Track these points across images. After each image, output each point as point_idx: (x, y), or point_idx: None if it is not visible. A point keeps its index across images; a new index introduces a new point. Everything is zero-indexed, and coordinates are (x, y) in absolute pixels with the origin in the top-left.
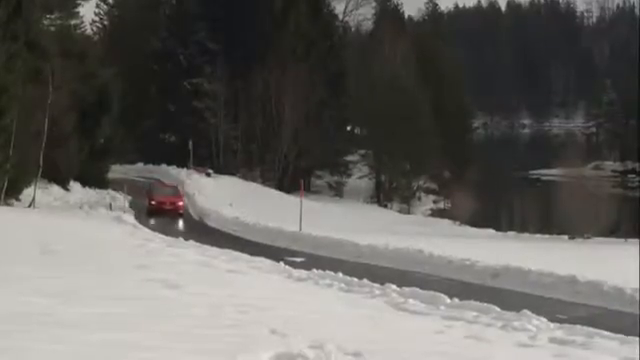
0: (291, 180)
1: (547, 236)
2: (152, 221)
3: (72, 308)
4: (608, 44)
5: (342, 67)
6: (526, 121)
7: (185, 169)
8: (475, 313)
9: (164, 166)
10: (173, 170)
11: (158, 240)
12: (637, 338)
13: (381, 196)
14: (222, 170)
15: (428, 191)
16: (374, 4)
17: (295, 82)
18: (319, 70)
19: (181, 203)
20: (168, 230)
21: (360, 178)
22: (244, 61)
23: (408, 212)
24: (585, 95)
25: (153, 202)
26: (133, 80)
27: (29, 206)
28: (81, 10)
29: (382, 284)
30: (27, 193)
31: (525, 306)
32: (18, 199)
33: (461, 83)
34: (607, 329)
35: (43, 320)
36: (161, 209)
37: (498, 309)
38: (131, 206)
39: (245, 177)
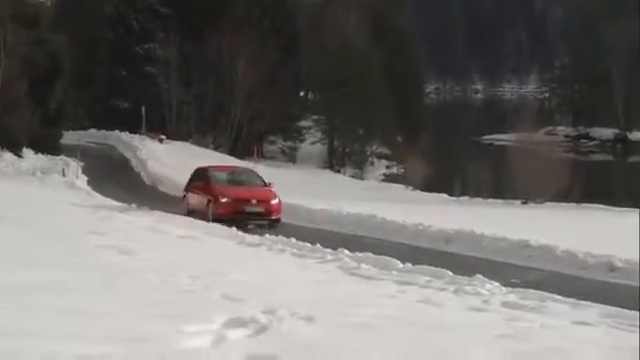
0: (244, 146)
1: (500, 201)
2: (106, 187)
3: (24, 274)
4: (561, 8)
5: (296, 31)
6: (479, 86)
7: (138, 135)
8: (428, 278)
9: (117, 132)
10: (126, 136)
11: (111, 206)
12: (589, 302)
13: (334, 161)
14: (175, 136)
15: (381, 156)
16: None
17: (249, 46)
18: (273, 34)
19: (276, 202)
20: (121, 196)
21: (313, 144)
22: (197, 26)
23: (361, 177)
24: (538, 60)
25: (224, 200)
26: (85, 46)
27: None
28: None
29: (335, 249)
30: None
31: (478, 271)
32: None
33: (414, 48)
34: (559, 293)
35: None
36: (240, 213)
37: (451, 274)
38: (84, 172)
39: (198, 143)
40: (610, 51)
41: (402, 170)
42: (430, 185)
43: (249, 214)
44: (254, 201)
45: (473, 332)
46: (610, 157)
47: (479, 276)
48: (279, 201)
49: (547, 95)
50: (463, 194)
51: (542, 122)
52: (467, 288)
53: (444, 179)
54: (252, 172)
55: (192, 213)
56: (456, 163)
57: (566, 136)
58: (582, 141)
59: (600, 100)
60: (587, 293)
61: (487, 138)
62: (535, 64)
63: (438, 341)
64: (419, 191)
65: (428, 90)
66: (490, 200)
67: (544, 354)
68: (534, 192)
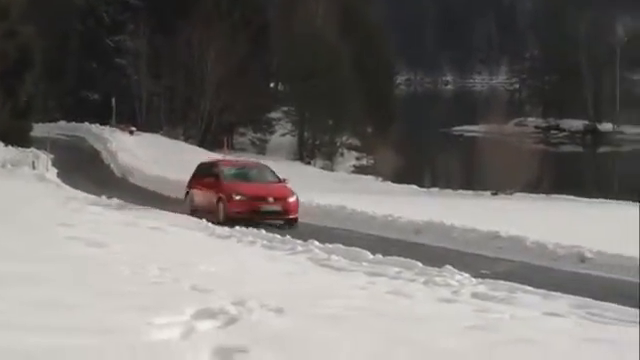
0: (214, 137)
1: (470, 192)
2: (76, 179)
3: None
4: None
5: (266, 23)
6: (449, 77)
7: (108, 127)
8: (398, 269)
9: (87, 124)
10: (96, 128)
11: (81, 198)
12: (559, 293)
13: (304, 153)
14: (145, 128)
15: (351, 148)
16: None
17: (219, 38)
18: (243, 26)
19: (293, 200)
20: (91, 188)
21: (283, 135)
22: (167, 18)
23: (331, 169)
24: (508, 51)
25: (238, 198)
26: (56, 37)
27: None
28: None
29: (305, 241)
30: None
31: (448, 262)
32: None
33: (384, 39)
34: (530, 284)
35: None
36: (255, 212)
37: (421, 265)
38: (54, 164)
39: (168, 134)
40: (579, 42)
41: (372, 161)
42: (400, 176)
43: (265, 213)
44: (271, 199)
45: (443, 323)
46: (580, 148)
47: (449, 267)
48: (297, 199)
49: (517, 86)
50: (433, 185)
51: (512, 113)
52: (437, 279)
53: (414, 170)
54: (265, 167)
55: (197, 212)
56: (426, 154)
57: (536, 127)
58: (552, 132)
59: (570, 91)
60: (557, 284)
61: (457, 129)
62: (505, 55)
63: (408, 332)
64: (389, 182)
65: (398, 81)
66: (460, 191)
67: (514, 345)
68: (504, 183)
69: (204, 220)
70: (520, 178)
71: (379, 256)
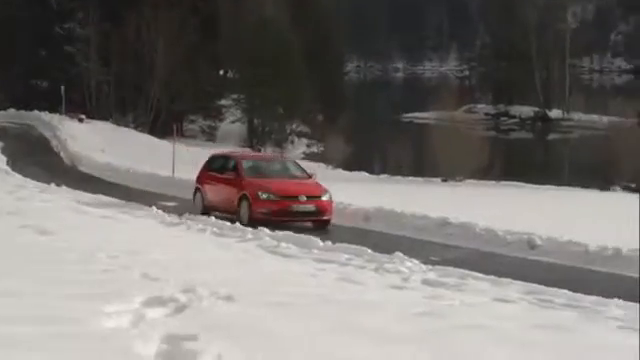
0: (164, 125)
1: (420, 179)
2: (25, 167)
3: None
4: None
5: (215, 10)
6: (399, 65)
7: (58, 115)
8: (348, 256)
9: (36, 112)
10: (45, 116)
11: (31, 186)
12: (509, 279)
13: (254, 140)
14: (95, 115)
15: (301, 135)
16: None
17: (168, 25)
18: (192, 13)
19: (327, 198)
20: (40, 176)
21: (233, 122)
22: (117, 4)
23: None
24: (458, 38)
25: (265, 197)
26: (3, 25)
27: None
28: None
29: (255, 228)
30: None
31: (398, 248)
32: None
33: (334, 26)
34: (480, 271)
35: None
36: (286, 212)
37: (370, 252)
38: (3, 152)
39: (118, 122)
40: (530, 29)
41: (322, 148)
42: (350, 163)
43: (297, 214)
44: (303, 197)
45: (393, 310)
46: (530, 135)
47: (399, 254)
48: (330, 197)
49: (467, 73)
50: (383, 172)
51: (462, 100)
52: (387, 266)
53: (364, 157)
54: (290, 160)
55: (211, 211)
56: (376, 141)
57: (486, 114)
58: (502, 119)
59: (520, 78)
60: (507, 270)
61: (407, 116)
62: (455, 42)
63: (358, 319)
64: (339, 169)
65: (349, 69)
66: (410, 178)
67: (464, 331)
68: (454, 170)
69: (152, 207)
70: (470, 165)
71: (329, 243)
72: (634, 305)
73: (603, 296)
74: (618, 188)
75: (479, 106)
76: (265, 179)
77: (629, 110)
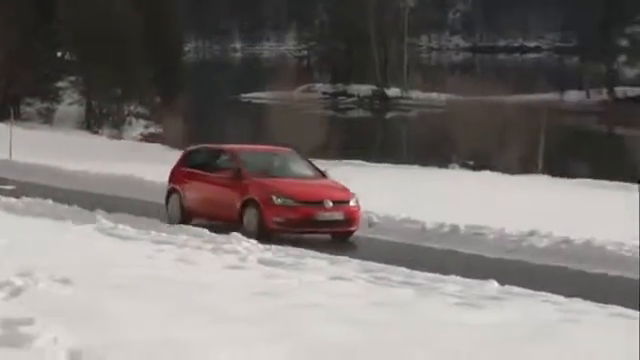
0: (1, 108)
1: None
2: None
3: None
4: None
5: None
6: (238, 45)
7: None
8: (186, 237)
9: None
10: None
11: None
12: (346, 257)
13: (92, 122)
14: None
15: (139, 116)
16: None
17: (2, 7)
18: None
19: (355, 204)
20: None
21: (70, 105)
22: None
23: (119, 138)
24: (297, 18)
25: (280, 202)
26: None
27: None
28: None
29: (92, 210)
30: None
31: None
32: None
33: (172, 6)
34: (319, 250)
35: None
36: (308, 222)
37: (209, 233)
38: None
39: None
40: (368, 8)
41: (160, 130)
42: (188, 143)
43: (322, 224)
44: (329, 203)
45: (231, 290)
46: (368, 113)
47: (236, 234)
48: (358, 202)
49: (306, 53)
50: None
51: (301, 80)
52: (225, 246)
53: (202, 138)
54: (297, 155)
55: (194, 217)
56: (214, 121)
57: (324, 93)
58: (340, 98)
59: (359, 58)
60: (345, 249)
61: (245, 96)
62: (295, 22)
63: (196, 299)
64: (177, 150)
65: (188, 49)
66: None
67: (302, 309)
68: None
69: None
70: (308, 143)
71: (166, 224)
72: (470, 281)
73: (440, 273)
74: (456, 165)
75: (317, 85)
76: (274, 179)
77: (467, 87)
